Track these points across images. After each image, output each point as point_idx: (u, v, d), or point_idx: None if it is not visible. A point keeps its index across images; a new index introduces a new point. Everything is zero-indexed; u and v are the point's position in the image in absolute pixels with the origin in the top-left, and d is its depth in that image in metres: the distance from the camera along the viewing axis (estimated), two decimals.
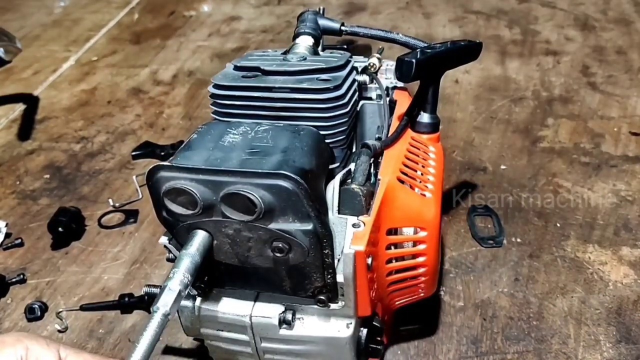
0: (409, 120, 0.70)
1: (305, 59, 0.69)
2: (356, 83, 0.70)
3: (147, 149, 1.24)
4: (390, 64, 0.80)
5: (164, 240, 0.60)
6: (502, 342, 0.79)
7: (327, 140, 0.62)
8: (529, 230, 0.97)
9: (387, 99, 0.76)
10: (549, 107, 1.30)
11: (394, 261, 0.62)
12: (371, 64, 0.74)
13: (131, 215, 1.07)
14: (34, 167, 1.24)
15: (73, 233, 1.03)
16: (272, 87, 0.62)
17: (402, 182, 0.63)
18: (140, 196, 1.06)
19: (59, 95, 1.53)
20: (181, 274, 0.50)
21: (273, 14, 1.88)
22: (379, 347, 0.64)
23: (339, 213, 0.58)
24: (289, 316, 0.60)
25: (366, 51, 0.98)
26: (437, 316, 0.83)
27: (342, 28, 0.82)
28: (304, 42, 0.76)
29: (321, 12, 0.83)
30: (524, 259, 0.92)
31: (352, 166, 0.62)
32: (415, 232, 0.62)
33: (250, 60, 0.69)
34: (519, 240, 0.95)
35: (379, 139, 0.68)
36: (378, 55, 0.76)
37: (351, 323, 0.60)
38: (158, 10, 1.98)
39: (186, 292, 0.50)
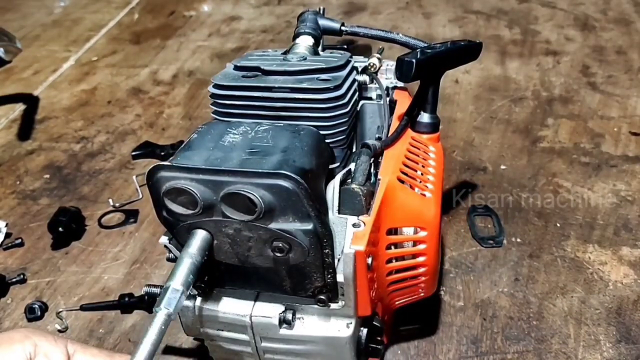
0: (409, 120, 0.70)
1: (305, 59, 0.69)
2: (356, 83, 0.70)
3: (147, 149, 1.24)
4: (390, 64, 0.80)
5: (164, 240, 0.60)
6: (502, 342, 0.79)
7: (327, 140, 0.62)
8: (529, 230, 0.97)
9: (387, 99, 0.76)
10: (549, 107, 1.30)
11: (394, 261, 0.62)
12: (371, 64, 0.74)
13: (131, 215, 1.07)
14: (34, 167, 1.25)
15: (73, 233, 1.03)
16: (272, 87, 0.63)
17: (402, 182, 0.63)
18: (140, 196, 1.06)
19: (59, 95, 1.53)
20: (183, 273, 0.50)
21: (273, 14, 1.88)
22: (379, 347, 0.64)
23: (339, 213, 0.58)
24: (289, 316, 0.60)
25: (366, 51, 0.98)
26: (437, 316, 0.83)
27: (342, 28, 0.82)
28: (304, 42, 0.76)
29: (321, 12, 0.83)
30: (524, 259, 0.92)
31: (352, 166, 0.62)
32: (415, 232, 0.62)
33: (250, 60, 0.69)
34: (519, 240, 0.95)
35: (379, 138, 0.68)
36: (378, 55, 0.76)
37: (351, 323, 0.60)
38: (158, 10, 1.98)
39: (188, 292, 0.50)
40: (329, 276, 0.56)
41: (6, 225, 1.06)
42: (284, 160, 0.53)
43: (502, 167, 1.12)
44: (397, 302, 0.69)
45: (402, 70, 0.63)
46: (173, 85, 1.52)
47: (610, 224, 0.98)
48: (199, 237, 0.54)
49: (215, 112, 0.66)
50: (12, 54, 1.53)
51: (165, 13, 1.95)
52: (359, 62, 0.75)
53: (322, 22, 0.81)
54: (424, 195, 0.63)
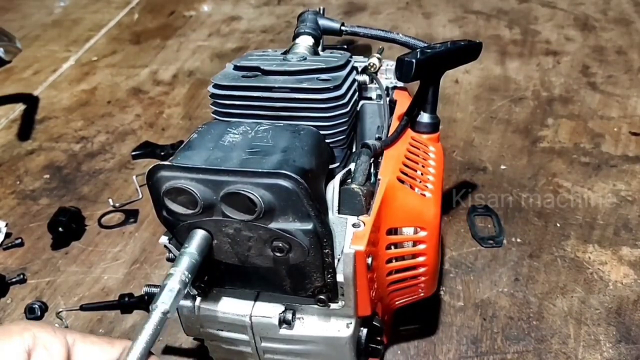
0: (409, 120, 0.70)
1: (305, 59, 0.69)
2: (356, 83, 0.70)
3: (147, 149, 1.24)
4: (390, 64, 0.80)
5: (164, 240, 0.60)
6: (502, 342, 0.79)
7: (327, 140, 0.62)
8: (529, 230, 0.97)
9: (387, 99, 0.76)
10: (549, 107, 1.30)
11: (394, 261, 0.62)
12: (371, 64, 0.74)
13: (131, 215, 1.07)
14: (34, 167, 1.25)
15: (73, 233, 1.03)
16: (272, 87, 0.62)
17: (402, 182, 0.63)
18: (140, 196, 1.06)
19: (59, 95, 1.53)
20: (180, 272, 0.50)
21: (273, 14, 1.88)
22: (379, 347, 0.64)
23: (339, 213, 0.58)
24: (289, 316, 0.60)
25: (366, 51, 0.98)
26: (437, 316, 0.83)
27: (342, 28, 0.82)
28: (304, 42, 0.76)
29: (321, 12, 0.83)
30: (524, 259, 0.92)
31: (352, 166, 0.62)
32: (415, 232, 0.62)
33: (250, 60, 0.69)
34: (519, 240, 0.95)
35: (379, 138, 0.68)
36: (378, 55, 0.76)
37: (351, 323, 0.60)
38: (158, 10, 1.98)
39: (185, 291, 0.50)
40: (329, 276, 0.56)
41: (6, 225, 1.06)
42: (284, 160, 0.52)
43: (502, 167, 1.12)
44: (397, 302, 0.69)
45: (402, 70, 0.63)
46: (173, 85, 1.52)
47: (610, 224, 0.98)
48: (198, 236, 0.54)
49: (215, 112, 0.66)
50: (12, 54, 1.53)
51: (165, 13, 1.95)
52: (359, 62, 0.75)
53: (322, 22, 0.81)
54: (424, 195, 0.63)
